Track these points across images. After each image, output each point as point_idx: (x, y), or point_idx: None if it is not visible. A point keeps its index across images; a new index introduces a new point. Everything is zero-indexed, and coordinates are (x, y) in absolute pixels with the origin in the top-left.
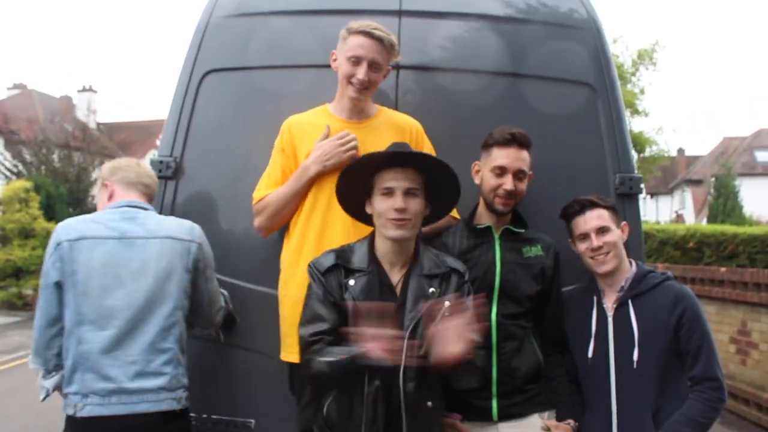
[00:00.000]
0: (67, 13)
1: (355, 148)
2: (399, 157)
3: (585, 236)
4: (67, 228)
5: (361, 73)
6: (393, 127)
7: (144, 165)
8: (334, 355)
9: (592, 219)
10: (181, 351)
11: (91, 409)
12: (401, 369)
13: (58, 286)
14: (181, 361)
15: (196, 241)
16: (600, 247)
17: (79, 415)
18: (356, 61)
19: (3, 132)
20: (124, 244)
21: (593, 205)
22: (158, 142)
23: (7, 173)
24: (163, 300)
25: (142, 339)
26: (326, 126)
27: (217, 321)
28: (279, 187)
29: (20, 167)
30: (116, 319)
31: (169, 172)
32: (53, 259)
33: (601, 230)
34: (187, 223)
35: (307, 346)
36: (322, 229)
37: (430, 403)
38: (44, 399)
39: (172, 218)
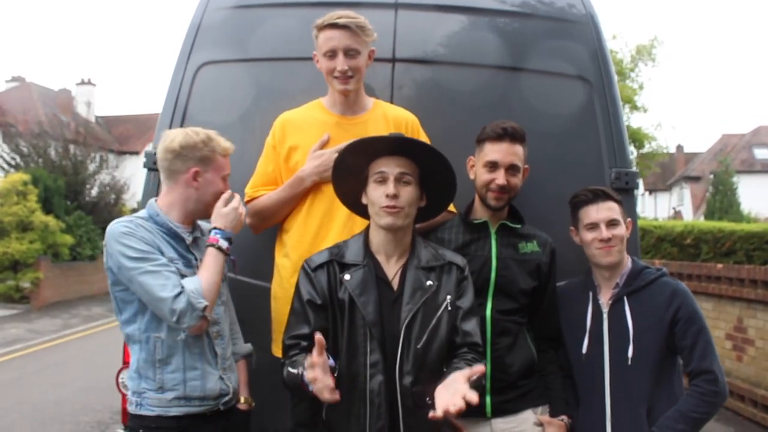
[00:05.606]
0: (66, 5)
1: None
2: (390, 143)
3: (594, 226)
4: None
5: (339, 64)
6: (389, 121)
7: None
8: (295, 366)
9: (604, 210)
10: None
11: None
12: (397, 365)
13: None
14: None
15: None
16: (609, 239)
17: None
18: (332, 54)
19: (1, 125)
20: None
21: (606, 196)
22: None
23: (5, 166)
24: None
25: None
26: (326, 134)
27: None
28: (272, 191)
29: (18, 160)
30: None
31: None
32: None
33: (612, 222)
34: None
35: (285, 350)
36: (318, 232)
37: (429, 400)
38: None
39: None
